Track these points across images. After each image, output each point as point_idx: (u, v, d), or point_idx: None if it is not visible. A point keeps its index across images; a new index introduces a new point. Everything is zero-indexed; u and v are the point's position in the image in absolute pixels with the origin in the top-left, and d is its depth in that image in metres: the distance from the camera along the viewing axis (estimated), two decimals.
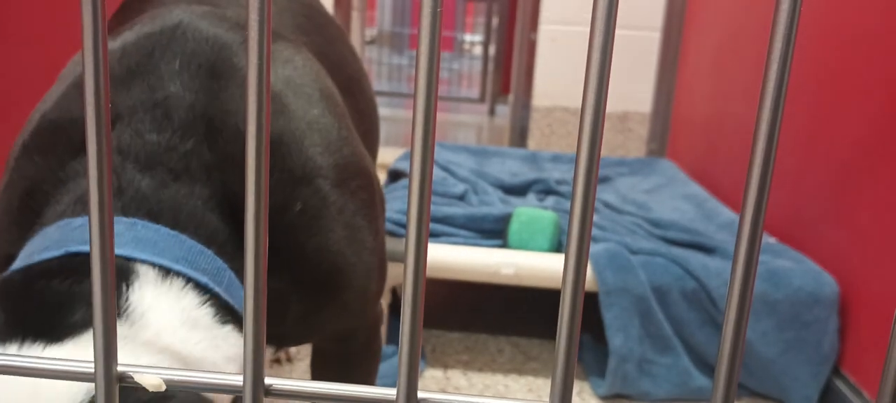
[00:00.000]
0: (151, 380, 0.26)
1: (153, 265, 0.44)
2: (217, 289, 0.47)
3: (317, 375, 0.72)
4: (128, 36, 0.55)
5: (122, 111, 0.51)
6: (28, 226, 0.48)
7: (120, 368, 0.26)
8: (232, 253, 0.49)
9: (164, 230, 0.46)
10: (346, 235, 0.57)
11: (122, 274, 0.43)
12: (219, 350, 0.45)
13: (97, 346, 0.26)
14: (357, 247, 0.58)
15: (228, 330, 0.46)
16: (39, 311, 0.41)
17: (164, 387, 0.26)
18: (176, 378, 0.26)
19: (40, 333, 0.40)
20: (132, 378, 0.26)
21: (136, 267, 0.44)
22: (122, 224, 0.46)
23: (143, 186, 0.48)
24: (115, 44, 0.55)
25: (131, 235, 0.45)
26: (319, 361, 0.72)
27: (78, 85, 0.53)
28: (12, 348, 0.39)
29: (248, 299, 0.25)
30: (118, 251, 0.44)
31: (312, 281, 0.55)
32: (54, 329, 0.40)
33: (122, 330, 0.41)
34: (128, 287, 0.43)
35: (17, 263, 0.45)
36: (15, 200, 0.50)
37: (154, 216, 0.47)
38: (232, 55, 0.54)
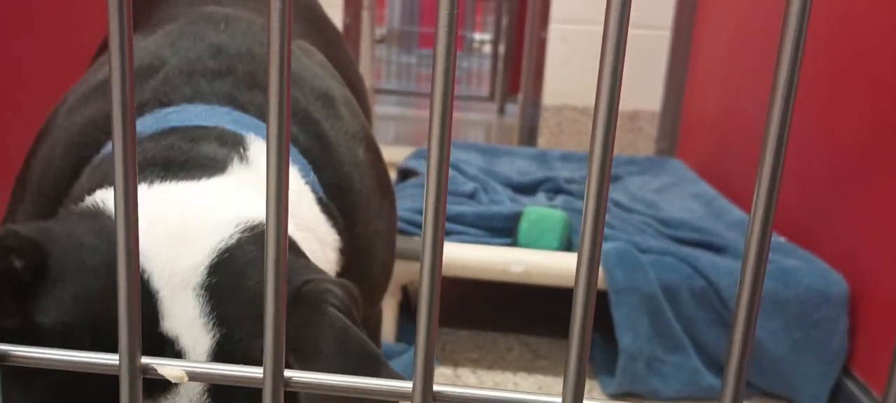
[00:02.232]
0: (174, 372, 0.27)
1: (256, 135, 0.52)
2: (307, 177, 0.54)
3: None
4: (167, 27, 0.59)
5: (167, 57, 0.55)
6: (86, 153, 0.52)
7: (143, 360, 0.27)
8: (310, 161, 0.55)
9: (257, 120, 0.52)
10: (382, 207, 0.60)
11: (235, 139, 0.50)
12: (301, 200, 0.51)
13: (122, 340, 0.26)
14: (390, 223, 0.62)
15: (309, 193, 0.52)
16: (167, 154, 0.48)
17: (186, 379, 0.27)
18: (198, 369, 0.27)
19: (175, 173, 0.47)
20: (155, 370, 0.27)
21: (245, 137, 0.50)
22: (217, 111, 0.52)
23: (224, 88, 0.54)
24: (151, 35, 0.58)
25: (230, 118, 0.51)
26: None
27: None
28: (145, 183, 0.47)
29: (268, 293, 0.26)
30: (226, 126, 0.51)
31: (352, 257, 0.57)
32: (188, 167, 0.47)
33: (246, 173, 0.49)
34: (244, 148, 0.50)
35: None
36: (74, 129, 0.54)
37: (242, 110, 0.53)
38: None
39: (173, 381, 0.27)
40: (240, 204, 0.45)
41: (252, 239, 0.43)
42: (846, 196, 1.19)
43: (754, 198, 0.24)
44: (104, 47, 0.81)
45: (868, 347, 1.11)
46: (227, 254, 0.42)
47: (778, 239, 1.32)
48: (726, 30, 1.85)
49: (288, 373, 0.27)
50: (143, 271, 0.41)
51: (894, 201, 1.06)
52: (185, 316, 0.40)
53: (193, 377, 0.27)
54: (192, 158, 0.48)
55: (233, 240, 0.43)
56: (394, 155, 2.44)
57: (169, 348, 0.40)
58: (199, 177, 0.47)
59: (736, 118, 1.72)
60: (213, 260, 0.42)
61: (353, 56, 0.88)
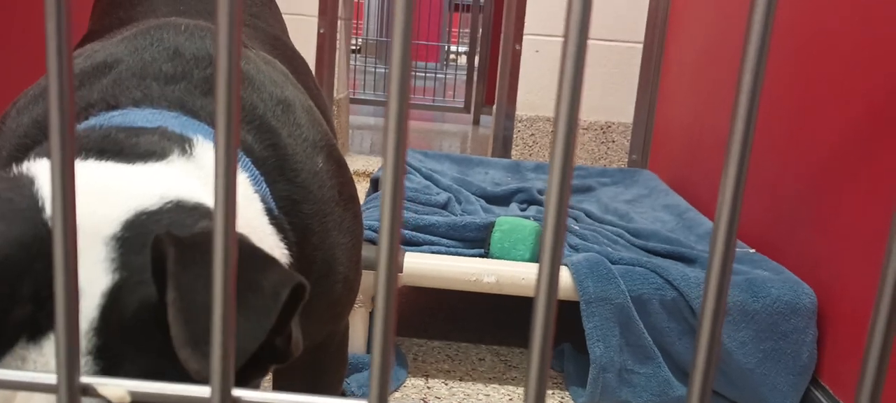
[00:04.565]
0: (116, 392, 0.25)
1: (204, 138, 0.51)
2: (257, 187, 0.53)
3: (283, 384, 0.71)
4: (123, 33, 0.58)
5: (123, 56, 0.54)
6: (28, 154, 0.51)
7: (83, 380, 0.25)
8: (264, 173, 0.54)
9: (207, 126, 0.51)
10: (343, 219, 0.59)
11: (180, 138, 0.49)
12: (248, 209, 0.50)
13: (60, 358, 0.25)
14: (354, 236, 0.60)
15: (258, 203, 0.51)
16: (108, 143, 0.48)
17: (129, 399, 0.25)
18: (141, 389, 0.26)
19: (112, 155, 0.46)
20: (96, 390, 0.26)
21: (191, 137, 0.49)
22: (165, 115, 0.51)
23: (175, 93, 0.52)
24: (111, 40, 0.57)
25: (177, 122, 0.50)
26: (287, 370, 0.71)
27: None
28: (89, 161, 0.46)
29: (216, 307, 0.24)
30: (172, 129, 0.50)
31: (309, 271, 0.55)
32: (123, 154, 0.46)
33: (187, 165, 0.48)
34: (189, 146, 0.49)
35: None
36: (21, 131, 0.53)
37: (193, 115, 0.52)
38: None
39: (114, 401, 0.25)
40: (173, 184, 0.44)
41: (176, 209, 0.42)
42: (815, 208, 1.21)
43: (718, 205, 0.24)
44: (82, 41, 0.79)
45: (837, 358, 1.12)
46: (144, 216, 0.41)
47: (747, 250, 1.33)
48: (697, 43, 1.88)
49: (237, 393, 0.25)
50: (50, 219, 0.40)
51: (862, 213, 1.08)
52: (89, 261, 0.39)
53: (136, 397, 0.25)
54: (128, 147, 0.47)
55: (154, 207, 0.42)
56: (369, 164, 2.43)
57: None
58: (135, 162, 0.46)
59: (706, 130, 1.74)
60: (129, 217, 0.41)
61: (323, 84, 0.88)
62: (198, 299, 0.34)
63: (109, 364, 0.37)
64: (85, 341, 0.37)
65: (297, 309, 0.38)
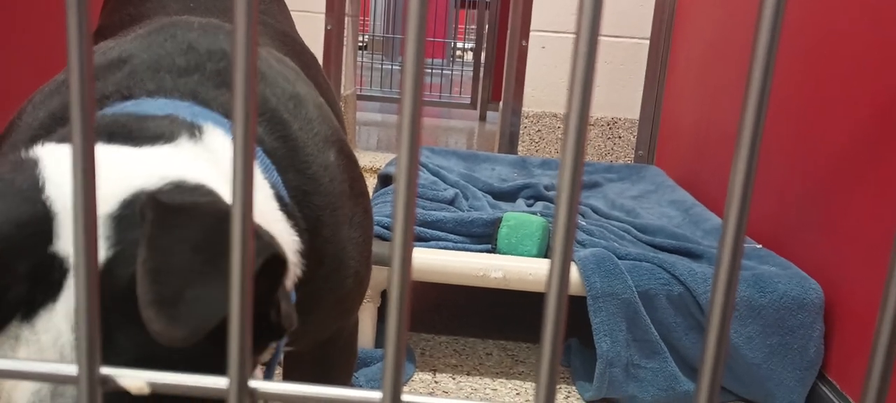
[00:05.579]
0: (135, 383, 0.26)
1: (214, 125, 0.51)
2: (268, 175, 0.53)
3: (293, 378, 0.72)
4: (137, 30, 0.59)
5: (137, 52, 0.55)
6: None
7: (102, 371, 0.26)
8: (274, 162, 0.54)
9: (218, 116, 0.52)
10: (354, 213, 0.59)
11: (191, 125, 0.49)
12: (257, 194, 0.50)
13: (80, 349, 0.25)
14: (364, 231, 0.61)
15: (268, 190, 0.51)
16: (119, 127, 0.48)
17: (147, 390, 0.26)
18: (159, 380, 0.26)
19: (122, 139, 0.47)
20: (115, 380, 0.26)
21: (201, 123, 0.50)
22: (177, 104, 0.51)
23: (188, 85, 0.53)
24: (125, 39, 0.58)
25: (189, 111, 0.51)
26: (296, 364, 0.72)
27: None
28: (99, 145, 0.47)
29: (233, 298, 0.25)
30: (183, 116, 0.50)
31: (319, 264, 0.56)
32: (132, 137, 0.47)
33: (196, 148, 0.48)
34: (199, 131, 0.49)
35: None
36: (36, 123, 0.53)
37: (205, 106, 0.52)
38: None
39: (133, 392, 0.26)
40: (179, 166, 0.44)
41: (176, 188, 0.42)
42: (823, 207, 1.20)
43: (727, 199, 0.24)
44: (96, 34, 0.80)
45: (844, 353, 1.12)
46: (144, 195, 0.41)
47: (754, 245, 1.33)
48: (703, 39, 1.87)
49: (253, 383, 0.26)
50: (49, 198, 0.39)
51: (870, 208, 1.08)
52: None
53: (155, 388, 0.26)
54: (137, 131, 0.47)
55: (153, 186, 0.42)
56: (376, 160, 2.44)
57: (57, 266, 0.38)
58: (143, 145, 0.46)
59: (712, 126, 1.74)
60: (127, 196, 0.40)
61: (330, 80, 0.89)
62: (171, 261, 0.34)
63: (102, 335, 0.37)
64: None
65: (279, 282, 0.39)
